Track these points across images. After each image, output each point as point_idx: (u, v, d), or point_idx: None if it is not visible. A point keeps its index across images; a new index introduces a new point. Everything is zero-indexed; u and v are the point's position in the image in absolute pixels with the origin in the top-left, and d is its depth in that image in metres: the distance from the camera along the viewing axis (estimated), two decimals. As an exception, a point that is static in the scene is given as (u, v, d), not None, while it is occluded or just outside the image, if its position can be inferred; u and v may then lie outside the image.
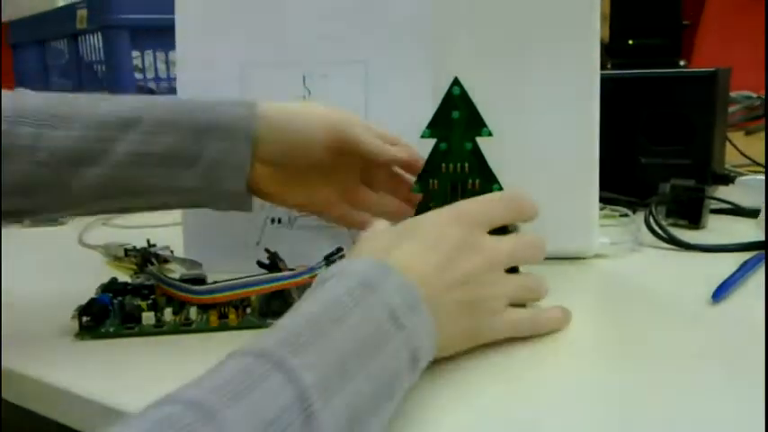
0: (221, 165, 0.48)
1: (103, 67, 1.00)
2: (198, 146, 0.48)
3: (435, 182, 0.50)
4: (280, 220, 0.59)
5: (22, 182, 0.47)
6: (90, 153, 0.47)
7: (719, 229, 0.69)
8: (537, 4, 0.57)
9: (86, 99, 0.49)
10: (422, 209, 0.51)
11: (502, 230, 0.45)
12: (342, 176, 0.53)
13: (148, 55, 1.00)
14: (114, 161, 0.47)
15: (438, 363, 0.40)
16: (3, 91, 0.48)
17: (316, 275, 0.48)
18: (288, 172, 0.51)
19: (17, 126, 0.46)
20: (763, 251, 0.59)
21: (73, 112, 0.48)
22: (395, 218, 0.51)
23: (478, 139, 0.49)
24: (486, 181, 0.50)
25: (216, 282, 0.49)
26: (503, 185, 0.50)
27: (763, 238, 0.62)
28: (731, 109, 1.31)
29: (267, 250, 0.54)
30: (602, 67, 0.60)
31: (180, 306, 0.49)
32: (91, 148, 0.47)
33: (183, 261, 0.59)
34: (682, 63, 0.83)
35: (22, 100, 0.48)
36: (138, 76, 0.99)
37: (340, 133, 0.50)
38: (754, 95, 1.37)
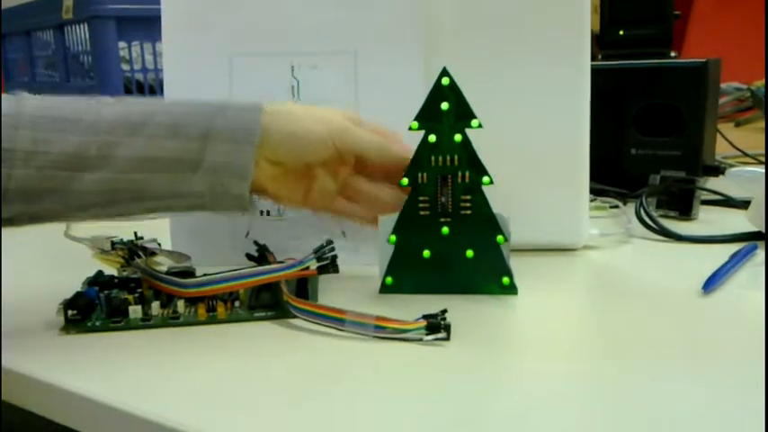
0: (225, 168, 0.48)
1: (90, 58, 0.99)
2: (203, 150, 0.48)
3: (424, 175, 0.50)
4: (269, 212, 0.59)
5: (24, 187, 0.46)
6: (92, 158, 0.46)
7: (710, 220, 0.69)
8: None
9: (87, 102, 0.49)
10: (411, 203, 0.50)
11: None
12: (339, 170, 0.53)
13: (135, 46, 0.98)
14: (118, 166, 0.47)
15: (425, 350, 0.40)
16: (3, 95, 0.47)
17: (305, 268, 0.48)
18: (292, 171, 0.51)
19: (17, 130, 0.46)
20: (753, 242, 0.59)
21: (74, 115, 0.47)
22: (390, 207, 0.51)
23: (468, 131, 0.49)
24: (476, 173, 0.49)
25: (204, 275, 0.49)
26: (493, 177, 0.49)
27: (752, 229, 0.62)
28: (721, 100, 1.31)
29: (256, 242, 0.54)
30: (593, 57, 0.60)
31: (167, 299, 0.49)
32: (93, 153, 0.46)
33: (170, 254, 0.58)
34: (672, 54, 0.83)
35: (22, 103, 0.47)
36: (124, 67, 0.98)
37: (342, 134, 0.50)
38: (744, 87, 1.37)
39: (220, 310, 0.48)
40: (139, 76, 1.00)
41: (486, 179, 0.49)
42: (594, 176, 0.61)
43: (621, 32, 0.81)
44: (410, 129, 0.50)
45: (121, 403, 0.37)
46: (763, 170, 0.74)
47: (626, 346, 0.42)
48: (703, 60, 0.76)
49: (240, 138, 0.48)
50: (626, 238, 0.64)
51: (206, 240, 0.58)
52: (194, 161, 0.48)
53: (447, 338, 0.43)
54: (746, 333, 0.43)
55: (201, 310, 0.48)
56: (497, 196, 0.50)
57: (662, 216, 0.69)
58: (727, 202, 0.73)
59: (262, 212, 0.59)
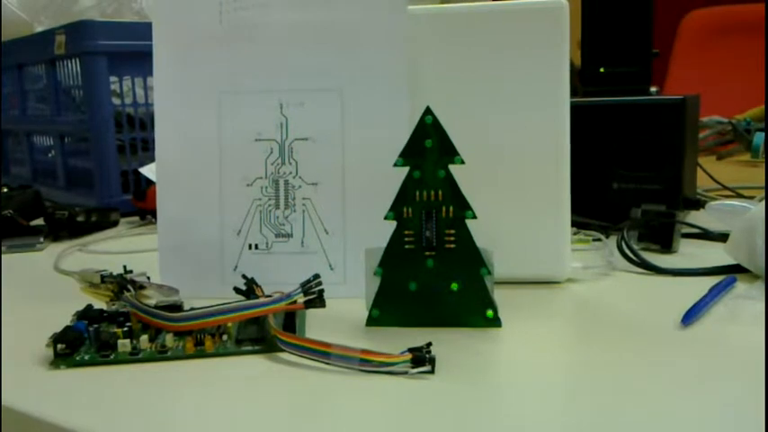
0: None
1: (81, 92, 1.00)
2: None
3: (409, 210, 0.51)
4: (257, 246, 0.60)
5: None
6: None
7: (690, 253, 0.71)
8: (508, 33, 0.59)
9: None
10: (396, 237, 0.51)
11: None
12: None
13: (127, 80, 1.00)
14: None
15: (410, 383, 0.41)
16: None
17: (293, 302, 0.49)
18: None
19: None
20: (731, 275, 0.60)
21: None
22: None
23: (451, 167, 0.50)
24: (459, 208, 0.51)
25: (192, 308, 0.49)
26: (475, 212, 0.50)
27: (731, 261, 0.63)
28: (703, 134, 1.34)
29: (244, 276, 0.55)
30: (577, 91, 0.61)
31: (156, 333, 0.49)
32: None
33: (159, 287, 0.59)
34: (654, 89, 0.85)
35: None
36: (115, 101, 0.99)
37: None
38: (726, 120, 1.40)
39: (208, 343, 0.48)
40: (130, 110, 1.01)
41: (468, 213, 0.51)
42: (577, 210, 0.62)
43: (602, 69, 0.83)
44: (395, 165, 0.51)
45: (110, 437, 0.38)
46: (742, 203, 0.76)
47: (608, 377, 0.43)
48: (681, 97, 0.78)
49: None
50: (608, 271, 0.65)
51: (194, 274, 0.59)
52: None
53: (432, 372, 0.44)
54: (725, 365, 0.44)
55: (189, 343, 0.48)
56: (481, 230, 0.51)
57: (643, 249, 0.70)
58: (706, 235, 0.74)
59: (250, 246, 0.59)
